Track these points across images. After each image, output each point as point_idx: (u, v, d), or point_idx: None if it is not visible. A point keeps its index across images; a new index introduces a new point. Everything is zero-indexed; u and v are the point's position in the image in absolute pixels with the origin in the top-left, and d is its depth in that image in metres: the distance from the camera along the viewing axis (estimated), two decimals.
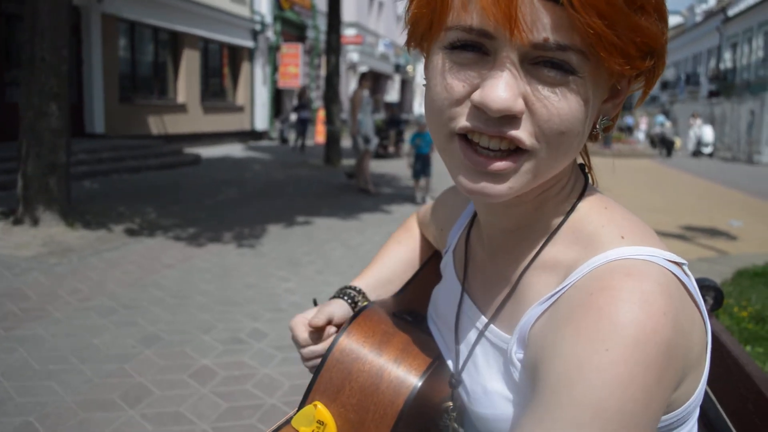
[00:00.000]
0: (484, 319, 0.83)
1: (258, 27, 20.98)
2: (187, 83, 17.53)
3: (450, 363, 0.90)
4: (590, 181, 0.82)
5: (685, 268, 0.69)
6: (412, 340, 0.91)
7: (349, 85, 27.33)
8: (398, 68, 37.21)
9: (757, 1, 37.14)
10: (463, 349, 0.87)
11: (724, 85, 40.22)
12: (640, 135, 33.10)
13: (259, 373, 3.53)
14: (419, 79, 46.79)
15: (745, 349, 2.68)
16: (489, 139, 0.66)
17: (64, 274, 5.18)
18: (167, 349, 3.77)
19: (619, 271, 0.64)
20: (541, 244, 0.77)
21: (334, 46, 14.62)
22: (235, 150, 18.25)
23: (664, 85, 50.80)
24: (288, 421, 0.95)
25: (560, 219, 0.77)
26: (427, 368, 0.86)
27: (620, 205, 0.77)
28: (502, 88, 0.62)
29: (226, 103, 20.20)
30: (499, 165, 0.66)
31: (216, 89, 19.91)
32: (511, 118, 0.64)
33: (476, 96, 0.64)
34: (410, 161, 10.04)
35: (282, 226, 7.60)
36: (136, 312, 4.37)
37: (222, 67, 20.20)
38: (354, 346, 0.88)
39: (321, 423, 0.86)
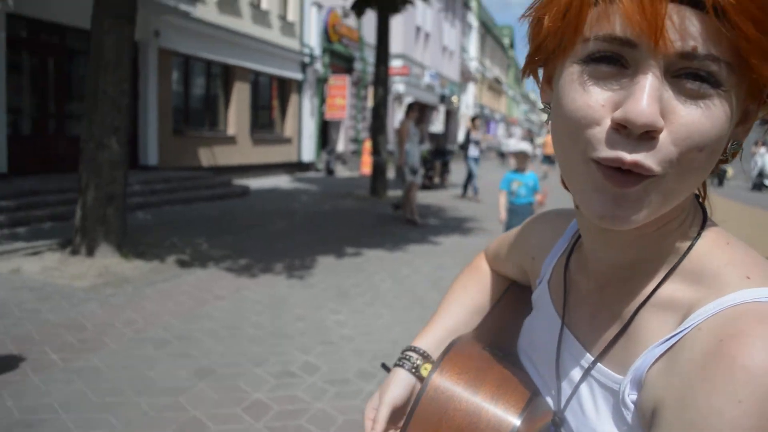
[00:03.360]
0: (589, 357, 0.79)
1: (307, 59, 21.39)
2: (237, 115, 17.92)
3: (550, 400, 0.86)
4: (708, 213, 0.77)
5: None
6: (507, 376, 0.87)
7: (394, 116, 27.56)
8: (443, 99, 37.35)
9: None
10: (566, 387, 0.82)
11: None
12: None
13: (313, 407, 3.50)
14: (464, 109, 46.87)
15: None
16: (624, 172, 0.62)
17: (119, 304, 5.26)
18: (220, 383, 3.77)
19: (751, 316, 0.60)
20: (658, 281, 0.72)
21: (382, 77, 14.78)
22: (282, 181, 18.51)
23: None
24: None
25: (679, 254, 0.72)
26: (525, 406, 0.82)
27: (742, 241, 0.73)
28: (646, 102, 0.58)
29: (274, 135, 20.55)
30: (632, 190, 0.63)
31: (265, 121, 20.29)
32: (651, 136, 0.60)
33: (618, 114, 0.60)
34: (504, 216, 6.49)
35: (331, 258, 7.62)
36: (189, 343, 4.40)
37: (271, 100, 20.59)
38: (448, 384, 0.85)
39: None
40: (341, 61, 24.21)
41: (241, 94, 18.10)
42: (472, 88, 49.94)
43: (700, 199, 0.79)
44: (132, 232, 8.00)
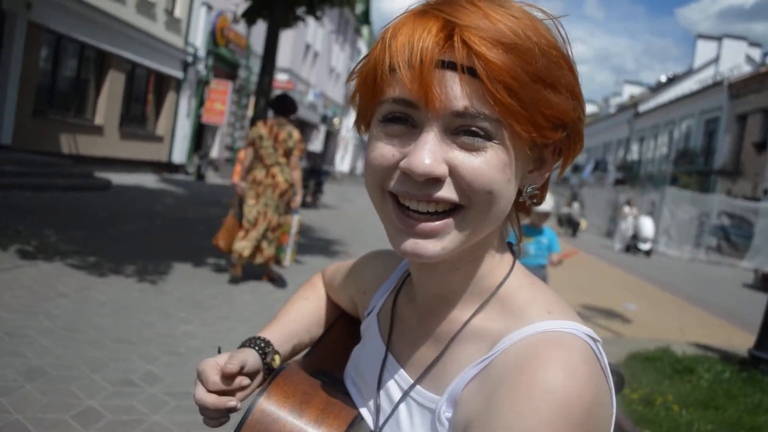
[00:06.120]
0: (409, 380, 0.87)
1: (190, 59, 20.77)
2: (107, 105, 17.00)
3: (370, 422, 0.92)
4: (517, 255, 0.89)
5: (600, 345, 0.76)
6: (332, 400, 0.92)
7: None
8: (325, 119, 37.54)
9: (664, 103, 40.35)
10: (386, 407, 0.90)
11: (630, 175, 42.90)
12: None
13: (149, 419, 3.37)
14: (344, 132, 47.34)
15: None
16: (418, 202, 0.73)
17: None
18: (51, 385, 3.54)
19: (548, 342, 0.71)
20: (472, 312, 0.83)
21: (265, 89, 14.58)
22: (148, 180, 17.74)
23: (576, 168, 53.46)
24: None
25: (490, 289, 0.83)
26: (347, 428, 0.87)
27: (543, 283, 0.86)
28: (425, 154, 0.69)
29: (145, 131, 19.68)
30: (428, 226, 0.73)
31: (137, 115, 19.38)
32: (435, 182, 0.71)
33: (403, 163, 0.71)
34: None
35: (188, 266, 7.38)
36: (21, 341, 4.09)
37: (147, 94, 19.73)
38: (274, 407, 0.88)
39: None
40: (226, 66, 23.74)
41: (114, 84, 17.22)
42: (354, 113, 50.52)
43: (517, 242, 0.91)
44: None
